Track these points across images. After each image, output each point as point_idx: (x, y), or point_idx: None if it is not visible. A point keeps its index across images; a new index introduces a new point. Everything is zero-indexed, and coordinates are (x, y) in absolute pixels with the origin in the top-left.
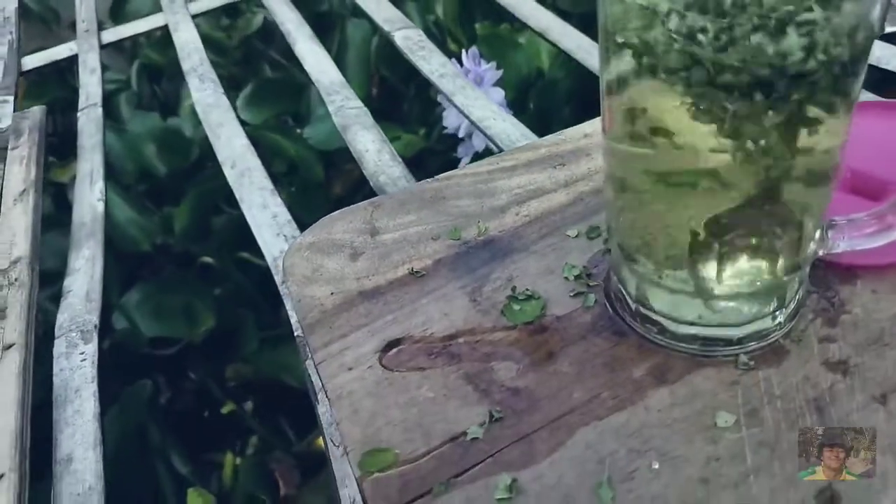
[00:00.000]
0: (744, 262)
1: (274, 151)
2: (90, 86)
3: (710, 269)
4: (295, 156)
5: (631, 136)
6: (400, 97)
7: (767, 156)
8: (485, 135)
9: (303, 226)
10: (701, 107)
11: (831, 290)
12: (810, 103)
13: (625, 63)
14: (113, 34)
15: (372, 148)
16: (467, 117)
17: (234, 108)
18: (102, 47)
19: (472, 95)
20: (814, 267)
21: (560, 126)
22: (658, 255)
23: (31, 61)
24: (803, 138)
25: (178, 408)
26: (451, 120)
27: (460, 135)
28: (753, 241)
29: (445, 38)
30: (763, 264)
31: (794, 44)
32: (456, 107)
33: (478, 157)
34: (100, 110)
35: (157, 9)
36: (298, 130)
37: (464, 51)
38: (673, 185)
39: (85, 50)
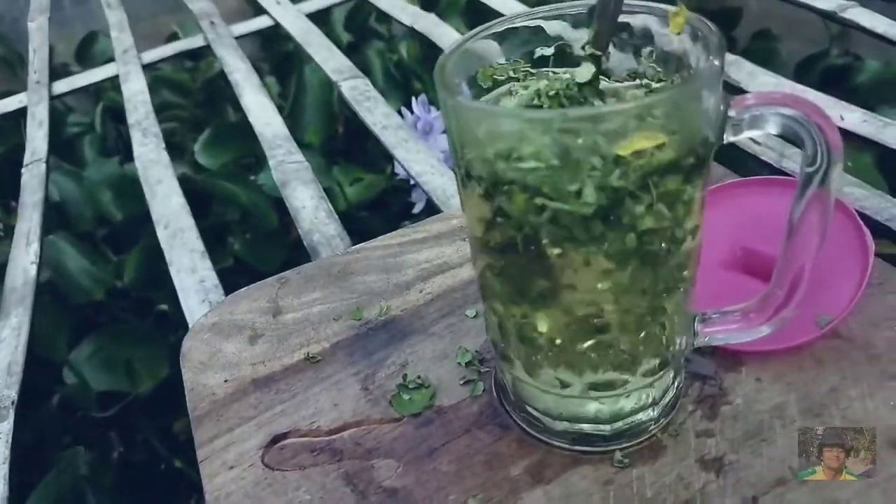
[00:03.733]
0: (604, 365)
1: (227, 199)
2: (36, 140)
3: (570, 373)
4: (247, 203)
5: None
6: (365, 136)
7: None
8: (422, 189)
9: (256, 274)
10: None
11: (715, 377)
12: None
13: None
14: (65, 85)
15: (309, 205)
16: (407, 171)
17: (192, 153)
18: (53, 98)
19: (413, 149)
20: (699, 350)
21: None
22: (522, 354)
23: None
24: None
25: (134, 461)
26: (400, 167)
27: (411, 182)
28: (610, 345)
29: (409, 78)
30: (626, 365)
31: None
32: (397, 160)
33: (430, 202)
34: (44, 166)
35: None
36: (252, 177)
37: (413, 98)
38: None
39: (35, 102)
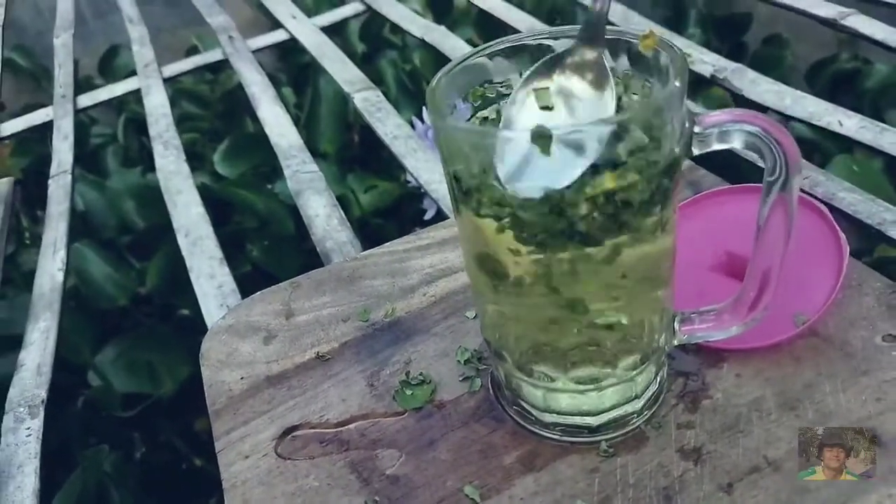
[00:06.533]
0: (588, 361)
1: (246, 208)
2: (62, 152)
3: (555, 368)
4: (265, 211)
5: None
6: (380, 145)
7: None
8: (430, 198)
9: (273, 279)
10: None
11: (697, 373)
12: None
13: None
14: (89, 98)
15: (322, 213)
16: (416, 179)
17: (212, 163)
18: (78, 112)
19: (421, 158)
20: (683, 348)
21: None
22: (513, 351)
23: (10, 127)
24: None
25: (156, 460)
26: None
27: (422, 190)
28: (593, 343)
29: (422, 88)
30: (608, 361)
31: None
32: (406, 169)
33: (440, 209)
34: (69, 178)
35: None
36: (269, 186)
37: (424, 107)
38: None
39: (60, 116)
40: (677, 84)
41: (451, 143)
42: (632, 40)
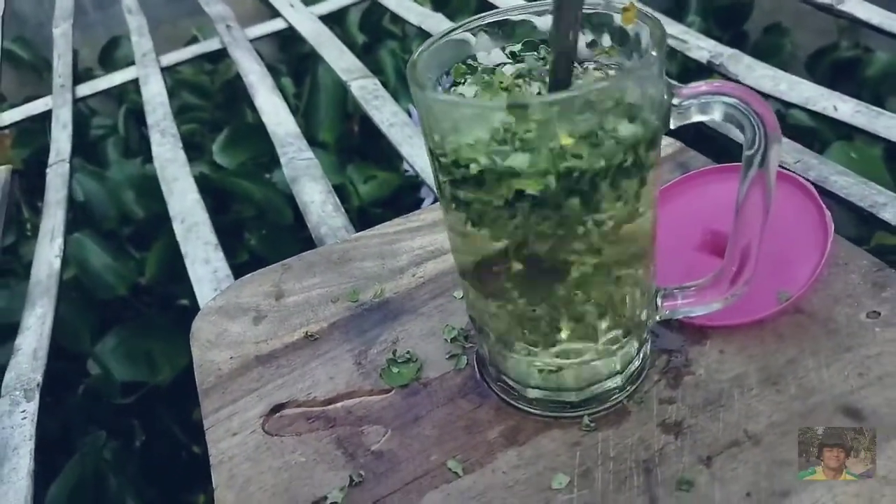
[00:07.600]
0: (569, 335)
1: (244, 197)
2: (60, 141)
3: (537, 342)
4: (262, 200)
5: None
6: (379, 134)
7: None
8: (426, 184)
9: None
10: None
11: (681, 350)
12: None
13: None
14: (88, 88)
15: (318, 199)
16: (411, 166)
17: (211, 153)
18: (77, 101)
19: (418, 145)
20: (668, 325)
21: None
22: (494, 328)
23: (9, 117)
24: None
25: (155, 448)
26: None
27: (419, 178)
28: (570, 316)
29: None
30: (590, 335)
31: None
32: (402, 156)
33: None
34: (67, 166)
35: None
36: (267, 175)
37: None
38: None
39: (59, 105)
40: (654, 53)
41: (430, 115)
42: (614, 14)
